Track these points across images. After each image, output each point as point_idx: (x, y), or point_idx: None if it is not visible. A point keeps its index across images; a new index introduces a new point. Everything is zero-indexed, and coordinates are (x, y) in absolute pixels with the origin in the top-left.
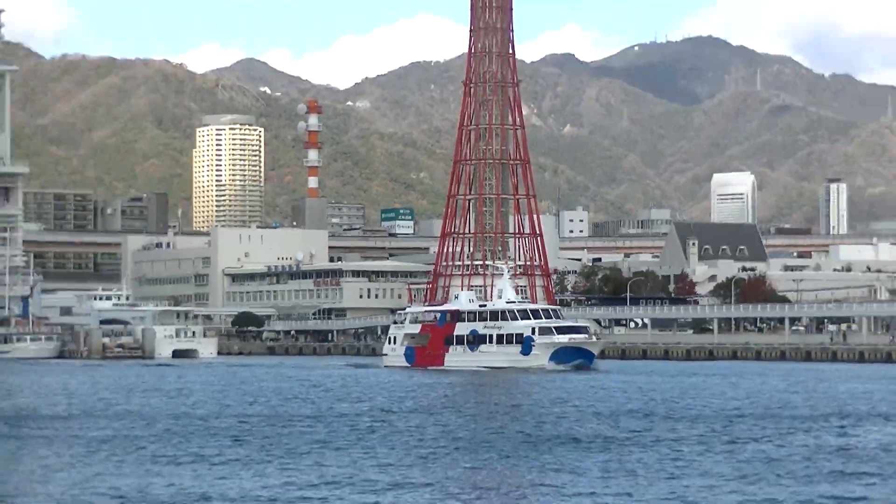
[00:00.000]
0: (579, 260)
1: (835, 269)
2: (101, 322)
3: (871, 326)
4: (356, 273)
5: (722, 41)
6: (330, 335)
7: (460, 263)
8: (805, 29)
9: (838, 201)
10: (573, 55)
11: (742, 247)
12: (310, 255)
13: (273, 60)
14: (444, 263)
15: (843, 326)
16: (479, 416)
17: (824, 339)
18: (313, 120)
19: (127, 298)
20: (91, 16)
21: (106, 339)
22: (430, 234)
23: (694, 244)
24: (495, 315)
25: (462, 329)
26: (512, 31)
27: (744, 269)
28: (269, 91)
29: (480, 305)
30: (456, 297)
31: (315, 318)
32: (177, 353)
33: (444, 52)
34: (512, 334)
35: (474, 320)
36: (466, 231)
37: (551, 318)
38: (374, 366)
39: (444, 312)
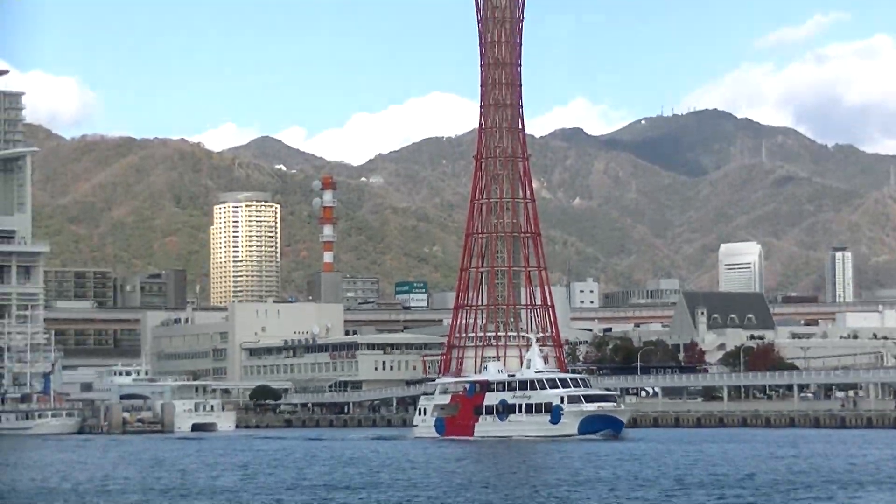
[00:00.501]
0: (590, 330)
1: (841, 337)
2: (121, 397)
3: (878, 393)
4: (371, 346)
5: (727, 114)
6: (346, 407)
7: (473, 335)
8: (808, 101)
9: (844, 269)
10: (581, 129)
11: (750, 315)
12: (325, 328)
13: (288, 138)
14: (458, 335)
15: (851, 393)
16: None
17: (832, 405)
18: (328, 196)
19: (146, 374)
20: (110, 97)
21: (126, 414)
22: (444, 307)
23: (703, 313)
24: (524, 385)
25: (491, 399)
26: (521, 106)
27: (752, 337)
28: (284, 168)
29: (509, 375)
30: (485, 368)
31: (331, 391)
32: (196, 427)
33: (456, 127)
34: (541, 403)
35: (503, 390)
36: (479, 303)
37: (580, 387)
38: (401, 437)
39: (473, 383)
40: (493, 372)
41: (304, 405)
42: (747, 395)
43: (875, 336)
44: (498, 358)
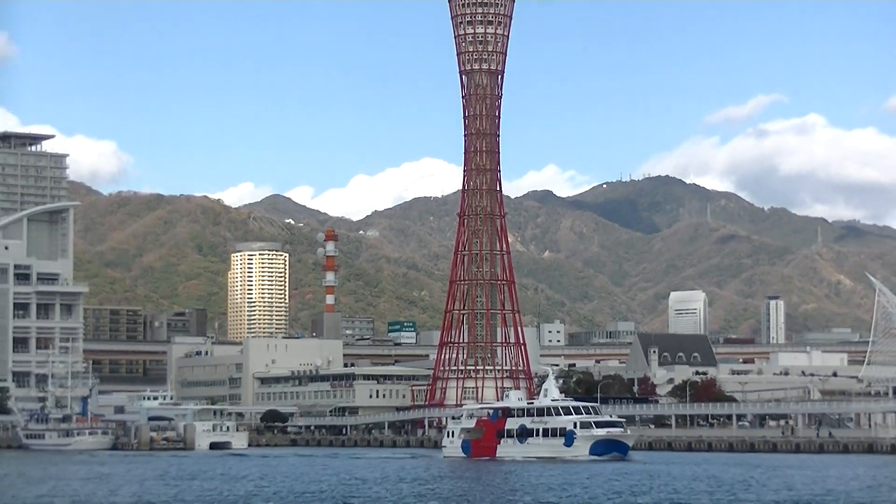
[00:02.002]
0: (557, 365)
1: (774, 374)
2: (149, 419)
3: (805, 422)
4: (367, 377)
5: (677, 180)
6: (344, 429)
7: (456, 368)
8: (748, 169)
9: (777, 315)
10: (551, 191)
11: (696, 354)
12: (327, 361)
13: (297, 196)
14: (442, 368)
15: (782, 423)
16: None
17: (766, 433)
18: (330, 247)
19: (171, 398)
20: (142, 159)
21: (153, 434)
22: (430, 343)
23: (655, 352)
24: (541, 411)
25: (512, 424)
26: (499, 171)
27: (697, 373)
28: (293, 222)
29: (528, 403)
30: (507, 396)
31: (331, 415)
32: (213, 445)
33: (442, 188)
34: (556, 428)
35: (523, 416)
36: (461, 340)
37: (591, 414)
38: (432, 456)
39: (496, 409)
40: (513, 399)
41: (307, 427)
42: (692, 423)
43: (803, 373)
44: (476, 388)
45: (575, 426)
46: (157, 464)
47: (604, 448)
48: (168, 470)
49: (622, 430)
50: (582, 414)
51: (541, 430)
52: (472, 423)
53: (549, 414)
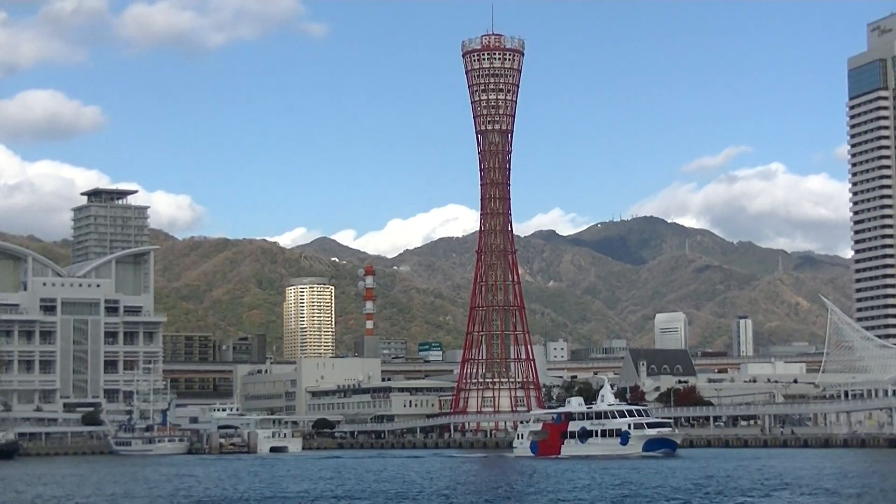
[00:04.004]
0: (561, 377)
1: (744, 381)
2: (219, 427)
3: (771, 422)
4: (401, 389)
5: (660, 219)
6: (382, 434)
7: (476, 381)
8: (720, 210)
9: (746, 332)
10: (555, 231)
11: (678, 366)
12: (368, 376)
13: (341, 238)
14: (465, 381)
15: (752, 422)
16: None
17: (738, 431)
18: (369, 280)
19: (237, 410)
20: (213, 209)
21: (222, 440)
22: (454, 360)
23: (643, 364)
24: (600, 415)
25: (574, 426)
26: (510, 214)
27: (679, 381)
28: (337, 260)
29: (588, 407)
30: (568, 402)
31: (372, 422)
32: (273, 449)
33: (464, 229)
34: (613, 429)
35: (583, 419)
36: (480, 357)
37: (643, 416)
38: (504, 456)
39: (559, 414)
40: (574, 405)
41: (351, 433)
42: (676, 423)
43: (769, 380)
44: (493, 398)
45: (629, 427)
46: (237, 465)
47: (655, 446)
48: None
49: (671, 429)
50: (635, 416)
51: (599, 431)
52: (538, 427)
53: (607, 417)
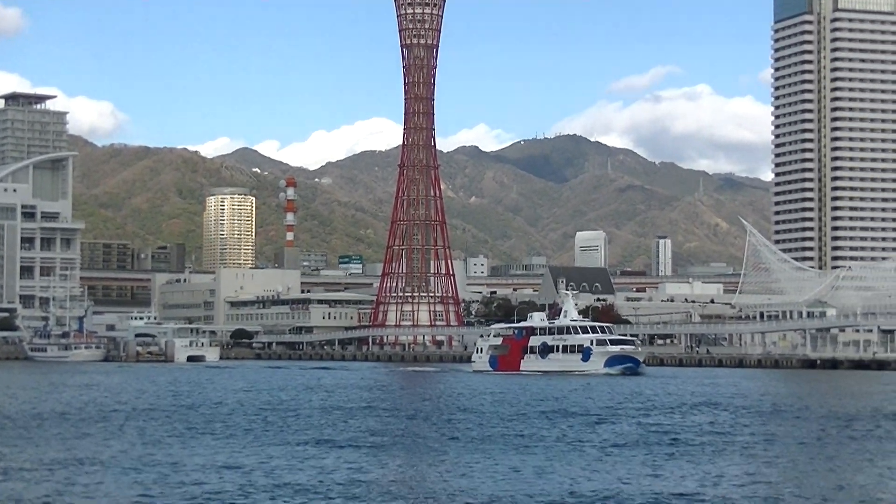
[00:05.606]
0: (481, 293)
1: (662, 301)
2: (136, 335)
3: (688, 341)
4: (320, 301)
5: (584, 138)
6: (300, 345)
7: (395, 295)
8: (644, 130)
9: (665, 252)
10: (478, 147)
11: (597, 284)
12: (287, 288)
13: (264, 149)
14: (384, 295)
15: (669, 341)
16: None
17: (654, 349)
18: (290, 192)
19: (155, 319)
20: (135, 117)
21: (139, 348)
22: (374, 274)
23: (563, 282)
24: (561, 330)
25: (535, 341)
26: (434, 129)
27: (598, 299)
28: (259, 171)
29: (549, 322)
30: (530, 317)
31: (290, 334)
32: (190, 359)
33: (387, 143)
34: (575, 345)
35: (545, 334)
36: (400, 272)
37: (605, 332)
38: (459, 371)
39: (520, 328)
40: (536, 320)
41: (269, 343)
42: None
43: (686, 300)
44: (413, 312)
45: (592, 343)
46: (153, 373)
47: (617, 362)
48: (179, 378)
49: (634, 347)
50: (598, 333)
51: (561, 347)
52: (498, 341)
53: (569, 332)
